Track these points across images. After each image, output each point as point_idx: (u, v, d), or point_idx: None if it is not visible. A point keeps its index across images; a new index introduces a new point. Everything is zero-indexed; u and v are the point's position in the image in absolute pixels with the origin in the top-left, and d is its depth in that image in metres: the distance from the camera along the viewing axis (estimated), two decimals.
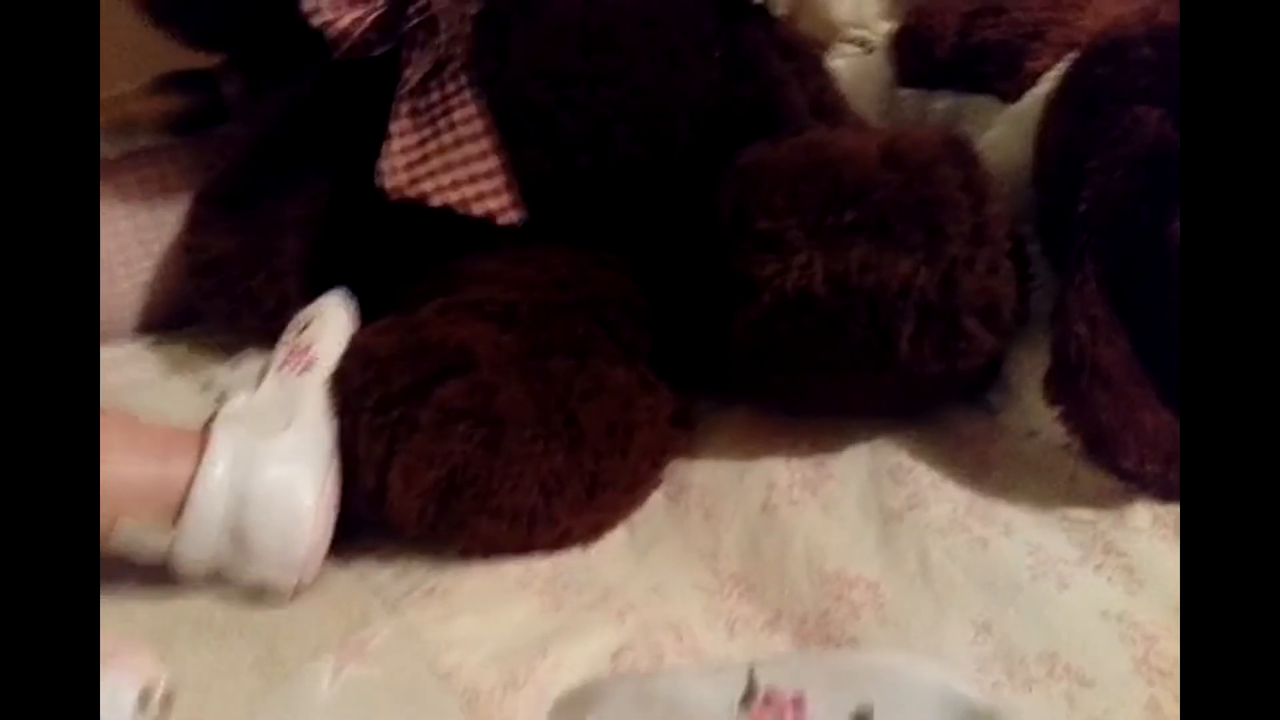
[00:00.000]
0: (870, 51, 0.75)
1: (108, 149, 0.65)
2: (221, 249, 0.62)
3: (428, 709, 0.43)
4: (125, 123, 0.65)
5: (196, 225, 0.63)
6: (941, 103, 0.66)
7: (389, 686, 0.45)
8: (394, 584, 0.50)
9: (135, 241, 0.69)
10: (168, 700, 0.44)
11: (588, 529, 0.52)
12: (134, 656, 0.46)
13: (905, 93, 0.68)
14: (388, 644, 0.46)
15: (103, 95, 0.65)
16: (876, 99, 0.70)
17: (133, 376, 0.64)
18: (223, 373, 0.63)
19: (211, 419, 0.50)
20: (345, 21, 0.54)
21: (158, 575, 0.49)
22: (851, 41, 0.77)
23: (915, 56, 0.67)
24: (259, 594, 0.49)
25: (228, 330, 0.64)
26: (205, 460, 0.47)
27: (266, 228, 0.62)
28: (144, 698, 0.43)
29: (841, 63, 0.75)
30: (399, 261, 0.60)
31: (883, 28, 0.74)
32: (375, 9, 0.54)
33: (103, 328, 0.70)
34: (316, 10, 0.54)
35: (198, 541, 0.47)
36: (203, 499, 0.46)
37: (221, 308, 0.62)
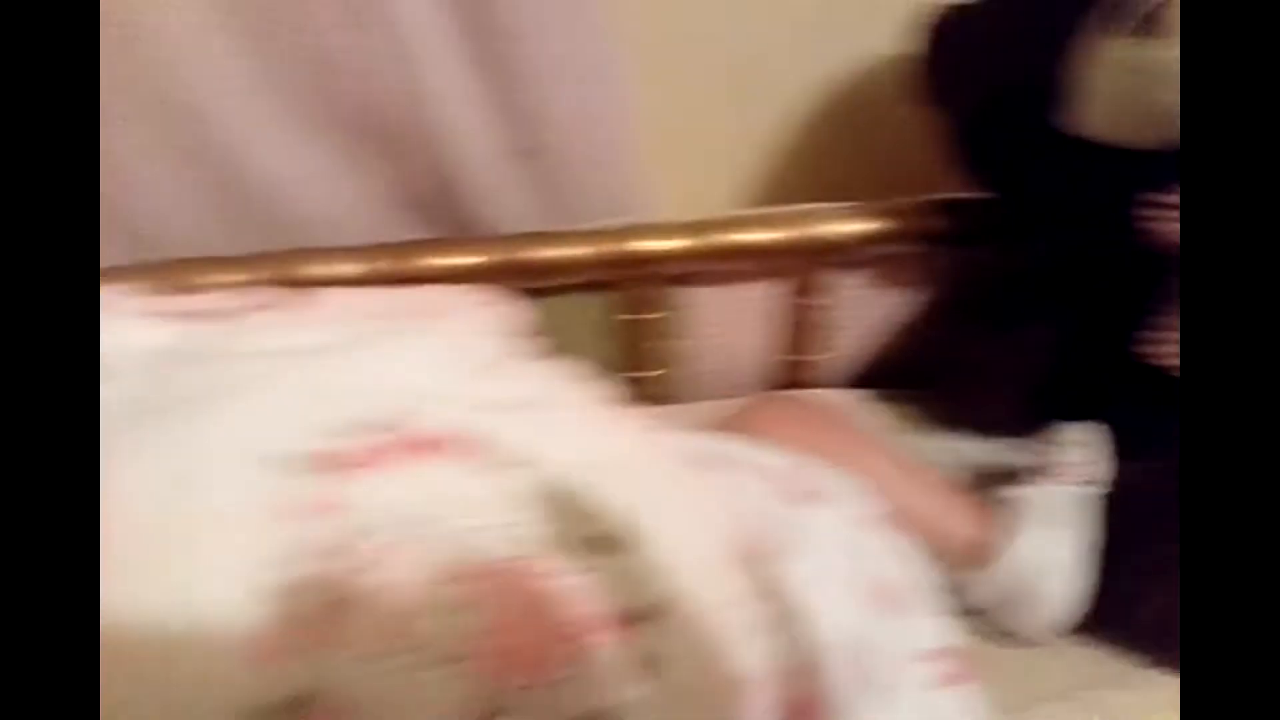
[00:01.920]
0: None
1: (885, 248, 0.86)
2: (974, 351, 0.80)
3: None
4: (897, 229, 0.85)
5: (953, 323, 0.82)
6: None
7: None
8: (1100, 666, 0.65)
9: (864, 314, 0.89)
10: None
11: None
12: None
13: None
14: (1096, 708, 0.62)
15: (882, 204, 0.86)
16: None
17: (868, 420, 0.85)
18: (936, 442, 0.82)
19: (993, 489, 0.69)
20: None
21: None
22: None
23: None
24: (1010, 639, 0.66)
25: (952, 406, 0.83)
26: (1013, 534, 0.65)
27: (1013, 344, 0.79)
28: None
29: None
30: (1133, 406, 0.74)
31: None
32: None
33: (824, 374, 0.91)
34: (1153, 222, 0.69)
35: (989, 590, 0.65)
36: (1007, 564, 0.64)
37: (961, 396, 0.81)
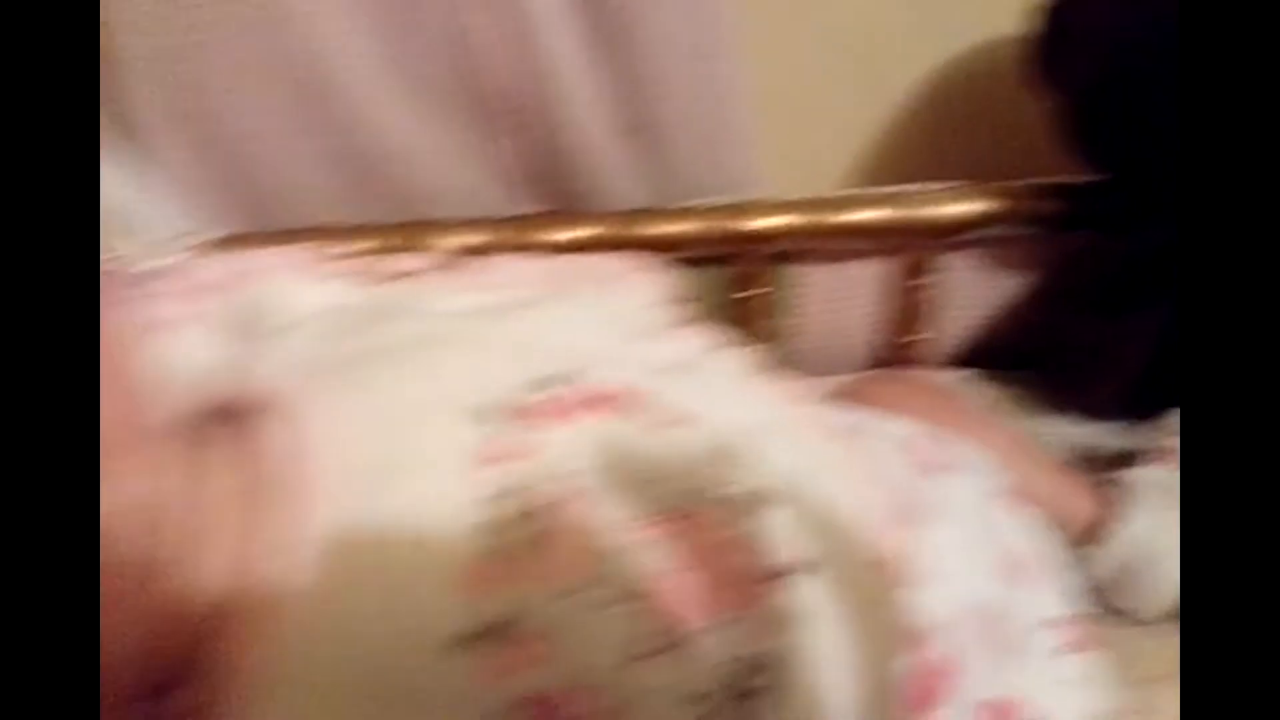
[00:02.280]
0: None
1: (995, 230, 0.87)
2: (1082, 335, 0.81)
3: None
4: (1008, 211, 0.86)
5: (1061, 306, 0.83)
6: None
7: None
8: None
9: (972, 295, 0.90)
10: None
11: None
12: None
13: None
14: None
15: (994, 186, 0.86)
16: None
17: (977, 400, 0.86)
18: (1047, 425, 0.83)
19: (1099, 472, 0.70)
20: None
21: None
22: None
23: None
24: (1122, 618, 0.67)
25: (1057, 388, 0.84)
26: (1128, 514, 0.66)
27: (1122, 329, 0.80)
28: None
29: None
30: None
31: None
32: None
33: (929, 353, 0.93)
34: None
35: (1103, 568, 0.66)
36: (1121, 543, 0.66)
37: (1066, 380, 0.81)
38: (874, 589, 0.43)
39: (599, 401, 0.42)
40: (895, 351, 0.92)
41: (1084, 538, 0.67)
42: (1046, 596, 0.52)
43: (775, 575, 0.41)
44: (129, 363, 0.38)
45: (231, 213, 0.86)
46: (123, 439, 0.35)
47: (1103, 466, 0.74)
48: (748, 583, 0.40)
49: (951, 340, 0.92)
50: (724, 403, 0.45)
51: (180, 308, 0.45)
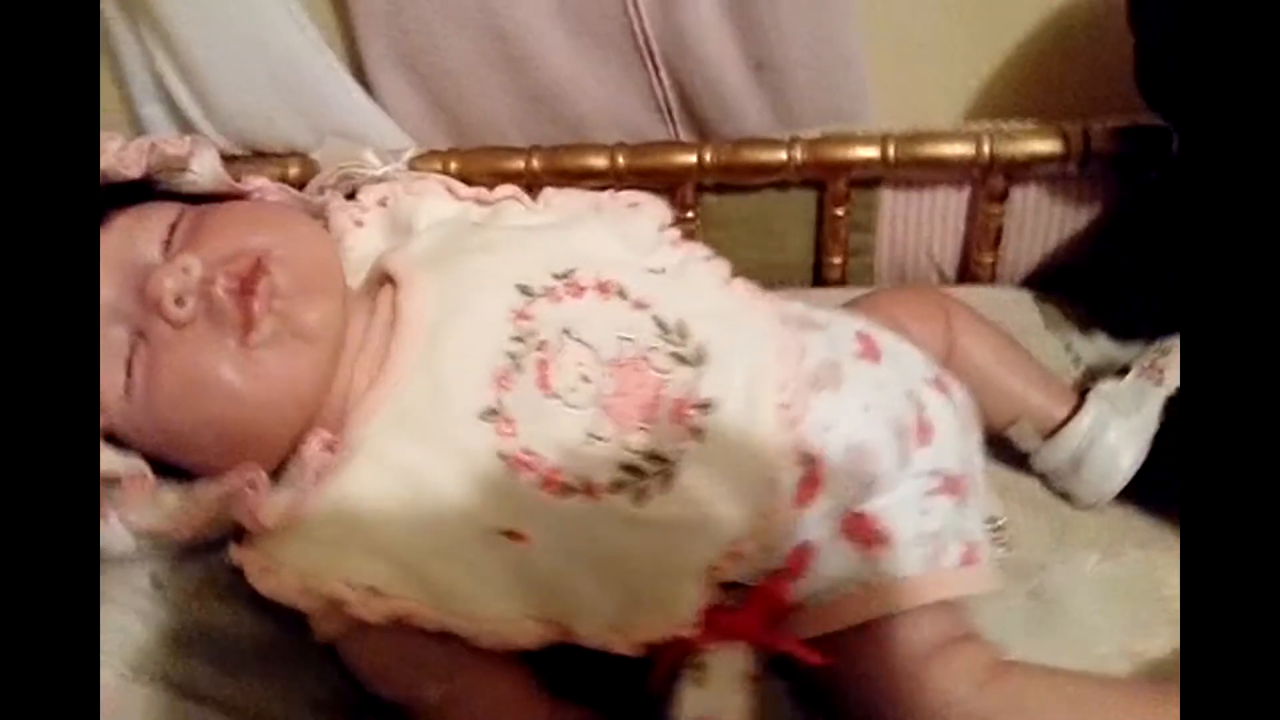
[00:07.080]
0: None
1: (1064, 168, 1.05)
2: (1119, 264, 1.00)
3: None
4: (1078, 152, 1.04)
5: (1106, 238, 1.02)
6: None
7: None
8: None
9: (1035, 223, 1.10)
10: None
11: None
12: None
13: None
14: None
15: (1067, 126, 1.04)
16: None
17: (1019, 320, 1.07)
18: (1080, 341, 1.04)
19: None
20: None
21: None
22: None
23: None
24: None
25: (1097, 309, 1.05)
26: (1080, 412, 0.88)
27: (1157, 264, 0.98)
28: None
29: None
30: None
31: None
32: None
33: (990, 272, 1.13)
34: None
35: (1053, 457, 0.88)
36: (1071, 434, 0.87)
37: (1103, 305, 1.01)
38: (767, 424, 0.71)
39: (597, 288, 0.73)
40: (960, 269, 1.14)
41: (1046, 431, 0.89)
42: (942, 455, 0.77)
43: (693, 406, 0.70)
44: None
45: (436, 135, 1.21)
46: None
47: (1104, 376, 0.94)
48: (662, 406, 0.70)
49: (1011, 263, 1.12)
50: (680, 294, 0.74)
51: (367, 214, 0.81)
